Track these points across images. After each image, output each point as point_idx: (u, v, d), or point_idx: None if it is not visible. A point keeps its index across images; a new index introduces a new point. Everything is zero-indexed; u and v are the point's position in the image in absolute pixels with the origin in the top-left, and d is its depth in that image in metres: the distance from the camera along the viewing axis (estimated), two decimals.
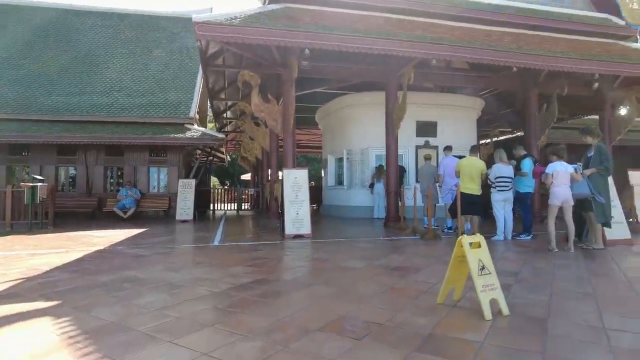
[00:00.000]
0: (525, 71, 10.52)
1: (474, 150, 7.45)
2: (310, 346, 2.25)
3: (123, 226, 10.14)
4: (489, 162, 7.94)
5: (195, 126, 13.93)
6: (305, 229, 7.79)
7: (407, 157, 11.83)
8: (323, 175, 15.35)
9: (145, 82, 15.13)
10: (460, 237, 2.89)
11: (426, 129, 12.00)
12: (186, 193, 12.51)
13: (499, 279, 2.94)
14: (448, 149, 8.86)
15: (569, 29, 10.28)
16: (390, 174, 9.42)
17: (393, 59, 9.13)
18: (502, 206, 7.06)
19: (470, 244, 2.86)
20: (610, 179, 6.38)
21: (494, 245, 6.56)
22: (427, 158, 9.40)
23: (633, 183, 10.25)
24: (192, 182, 12.84)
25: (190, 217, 12.06)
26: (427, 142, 11.95)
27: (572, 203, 5.88)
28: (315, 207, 17.87)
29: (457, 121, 12.34)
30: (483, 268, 2.81)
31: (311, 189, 19.69)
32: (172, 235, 8.33)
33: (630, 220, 10.16)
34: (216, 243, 6.98)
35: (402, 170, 10.80)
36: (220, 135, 13.41)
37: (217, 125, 17.26)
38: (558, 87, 9.61)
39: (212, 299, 3.27)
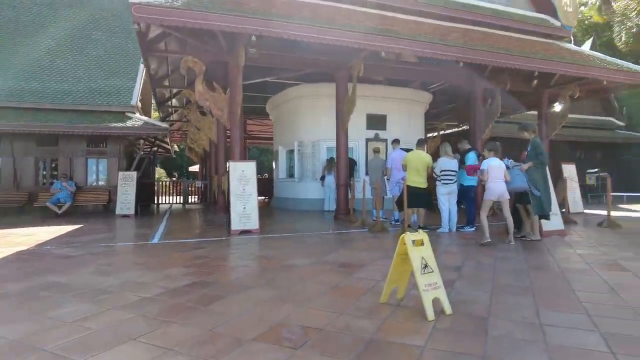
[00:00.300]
0: (471, 66, 10.84)
1: (421, 144, 7.52)
2: None
3: (56, 222, 9.36)
4: (437, 155, 8.12)
5: (137, 115, 13.14)
6: (253, 224, 7.54)
7: (358, 149, 11.84)
8: (274, 167, 15.09)
9: (81, 66, 14.03)
10: (403, 234, 2.81)
11: (376, 121, 12.07)
12: (127, 186, 11.79)
13: (443, 275, 2.90)
14: (396, 142, 8.93)
15: (511, 27, 10.65)
16: (340, 167, 9.36)
17: (343, 50, 8.99)
18: (447, 199, 7.20)
19: (413, 241, 2.79)
20: (547, 172, 6.67)
21: (439, 237, 6.68)
22: (376, 151, 9.43)
23: (566, 175, 10.91)
24: (134, 174, 12.12)
25: (131, 211, 11.40)
26: (377, 135, 12.02)
27: (508, 197, 6.06)
28: (266, 200, 17.58)
29: (406, 114, 12.51)
30: (426, 266, 2.75)
31: (263, 181, 19.40)
32: (109, 232, 7.77)
33: (563, 210, 10.82)
34: (156, 240, 6.58)
35: (352, 163, 10.79)
36: (164, 125, 12.73)
37: (162, 114, 16.43)
38: (502, 83, 9.95)
39: (141, 306, 2.98)
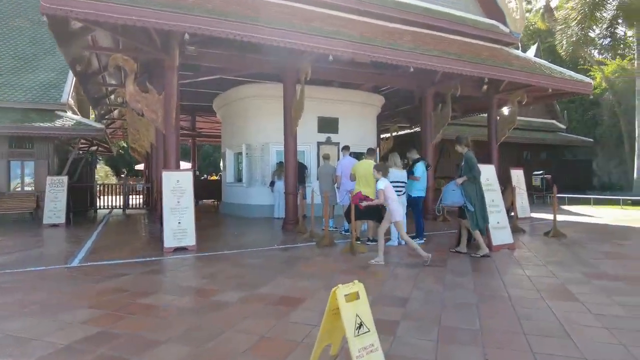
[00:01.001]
0: (423, 71, 10.67)
1: (371, 153, 7.18)
2: None
3: None
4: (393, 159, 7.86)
5: (69, 114, 11.97)
6: (189, 240, 6.89)
7: (309, 153, 11.40)
8: (222, 170, 14.34)
9: (2, 58, 12.58)
10: (335, 288, 2.36)
11: (328, 125, 11.67)
12: (56, 192, 10.71)
13: (387, 312, 2.49)
14: (346, 148, 8.57)
15: (462, 32, 10.58)
16: (289, 173, 8.86)
17: (290, 51, 8.52)
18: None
19: (347, 295, 2.35)
20: (495, 185, 6.54)
21: (389, 250, 6.39)
22: (326, 158, 9.03)
23: (514, 180, 11.03)
24: (64, 179, 11.03)
25: (61, 220, 10.34)
26: (328, 139, 11.63)
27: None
28: (216, 203, 16.79)
29: (358, 117, 12.21)
30: (361, 326, 2.32)
31: (213, 182, 18.49)
32: (25, 250, 6.83)
33: (512, 214, 10.94)
34: (76, 263, 5.78)
35: (303, 168, 10.33)
36: (99, 126, 11.67)
37: (97, 113, 15.15)
38: (452, 88, 9.84)
39: None
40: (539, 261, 5.52)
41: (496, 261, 5.57)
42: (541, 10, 23.60)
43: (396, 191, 6.77)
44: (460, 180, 6.02)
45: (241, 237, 8.11)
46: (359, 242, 7.07)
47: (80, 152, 17.47)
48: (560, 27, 16.90)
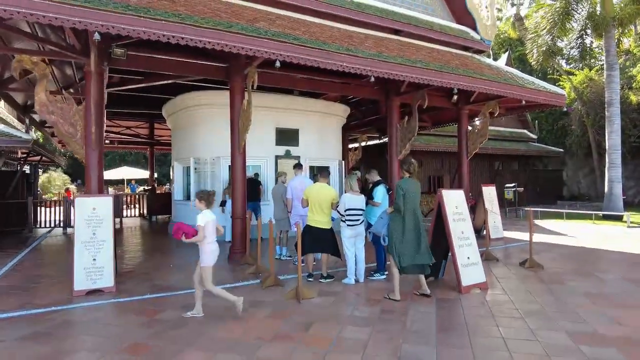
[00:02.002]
0: (387, 80, 9.81)
1: (325, 175, 6.19)
2: None
3: None
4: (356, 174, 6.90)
5: None
6: (106, 280, 5.73)
7: (266, 168, 10.33)
8: (171, 184, 13.09)
9: None
10: None
11: (287, 136, 10.64)
12: None
13: None
14: (297, 167, 7.58)
15: (429, 37, 9.80)
16: (236, 195, 7.77)
17: (235, 56, 7.47)
18: (353, 243, 5.93)
19: None
20: (465, 214, 5.67)
21: (343, 292, 5.41)
22: (279, 176, 8.00)
23: (486, 198, 10.29)
24: None
25: None
26: (287, 152, 10.60)
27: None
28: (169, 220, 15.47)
29: (320, 128, 11.25)
30: None
31: (163, 196, 17.03)
32: None
33: (484, 233, 10.18)
34: None
35: (255, 185, 9.24)
36: (26, 137, 10.24)
37: (30, 120, 13.62)
38: (419, 99, 9.01)
39: None
40: (516, 312, 4.62)
41: (465, 311, 4.64)
42: (512, 19, 23.40)
43: (353, 220, 5.82)
44: (389, 210, 5.37)
45: (175, 271, 6.95)
46: (310, 280, 6.07)
47: (19, 163, 15.87)
48: (530, 35, 16.48)
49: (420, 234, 5.05)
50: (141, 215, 17.13)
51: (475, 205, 16.27)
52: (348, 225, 5.81)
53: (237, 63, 7.61)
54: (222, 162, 10.02)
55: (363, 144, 16.52)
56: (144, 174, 26.80)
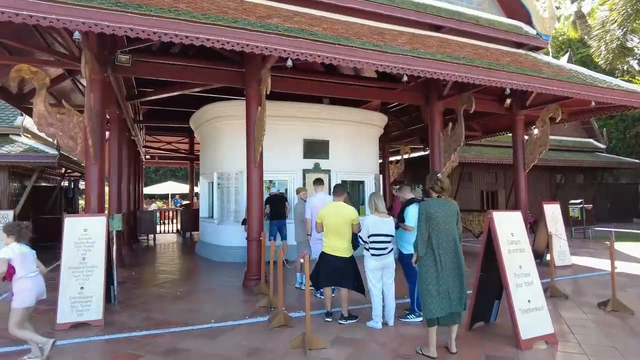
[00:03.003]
0: (428, 82, 8.67)
1: (340, 191, 5.16)
2: None
3: None
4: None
5: (23, 138, 10.55)
6: (94, 312, 5.03)
7: (292, 183, 9.43)
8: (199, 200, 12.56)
9: None
10: None
11: (316, 149, 9.71)
12: None
13: None
14: (318, 182, 6.59)
15: (475, 33, 8.54)
16: (252, 215, 6.91)
17: (250, 57, 6.72)
18: (379, 277, 4.80)
19: None
20: (524, 243, 4.39)
21: (366, 340, 4.31)
22: (298, 192, 7.06)
23: (548, 218, 8.74)
24: (8, 213, 9.43)
25: None
26: (316, 165, 9.65)
27: None
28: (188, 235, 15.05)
29: (354, 140, 10.22)
30: None
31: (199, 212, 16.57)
32: None
33: (547, 259, 8.62)
34: None
35: (281, 202, 8.35)
36: (52, 153, 10.09)
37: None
38: (465, 103, 7.75)
39: None
40: None
41: None
42: (572, 17, 21.26)
43: (378, 249, 4.71)
44: (413, 259, 4.22)
45: (180, 300, 6.14)
46: (328, 319, 5.01)
47: (63, 179, 16.20)
48: (597, 32, 14.57)
49: (459, 272, 3.86)
50: (178, 231, 16.86)
51: (534, 224, 14.43)
52: (372, 254, 4.71)
53: (252, 66, 6.84)
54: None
55: (406, 156, 15.25)
56: (179, 188, 27.04)
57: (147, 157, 20.34)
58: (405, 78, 6.05)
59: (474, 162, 15.30)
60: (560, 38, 26.16)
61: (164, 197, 30.49)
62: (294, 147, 9.47)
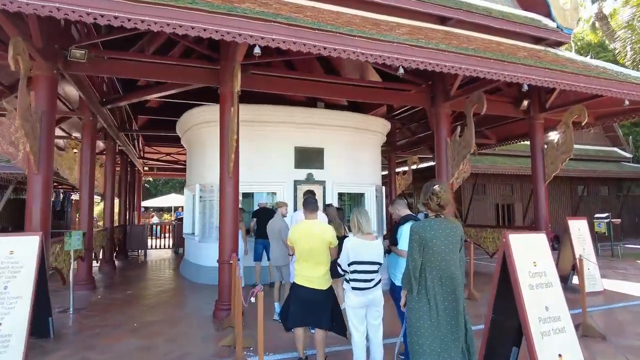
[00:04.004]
0: (434, 82, 7.68)
1: (311, 205, 4.15)
2: None
3: None
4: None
5: None
6: (12, 355, 4.07)
7: (282, 196, 8.44)
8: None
9: None
10: None
11: (309, 157, 8.74)
12: None
13: None
14: (308, 195, 5.60)
15: (486, 26, 7.54)
16: (225, 230, 5.96)
17: (225, 52, 5.87)
18: (363, 317, 3.76)
19: None
20: (552, 275, 3.33)
21: None
22: (278, 206, 6.10)
23: (574, 236, 7.58)
24: None
25: None
26: (309, 176, 8.67)
27: None
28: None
29: (352, 148, 9.22)
30: None
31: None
32: None
33: (571, 283, 7.48)
34: None
35: (268, 216, 7.37)
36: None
37: None
38: (475, 103, 6.71)
39: None
40: None
41: None
42: (592, 19, 20.06)
43: (361, 281, 3.69)
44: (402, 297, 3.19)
45: (135, 334, 5.17)
46: None
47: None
48: (621, 31, 13.40)
49: (458, 316, 2.83)
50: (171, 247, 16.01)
51: (555, 240, 13.13)
52: (353, 288, 3.67)
53: (227, 63, 5.95)
54: None
55: (414, 166, 14.16)
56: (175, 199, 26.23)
57: (146, 168, 19.66)
58: (401, 71, 5.05)
59: (488, 173, 14.16)
60: (579, 43, 24.91)
61: (170, 210, 29.83)
62: (284, 155, 8.53)
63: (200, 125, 8.77)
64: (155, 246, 15.92)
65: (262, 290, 3.48)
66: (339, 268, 3.81)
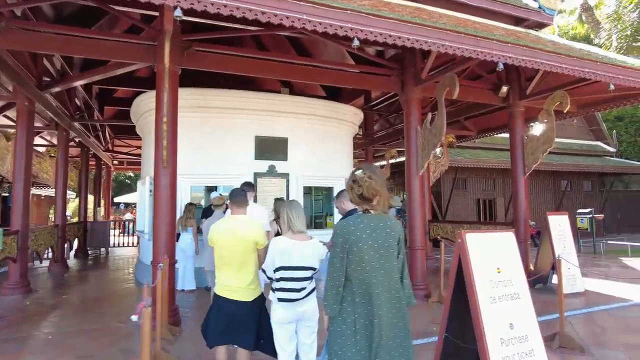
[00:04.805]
0: (404, 64, 7.02)
1: (238, 197, 3.43)
2: None
3: None
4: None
5: None
6: None
7: None
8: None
9: None
10: None
11: (271, 148, 8.00)
12: None
13: None
14: (247, 186, 4.90)
15: (460, 3, 6.90)
16: (160, 229, 5.22)
17: (161, 18, 5.11)
18: (292, 334, 3.06)
19: None
20: (519, 283, 2.68)
21: None
22: (216, 205, 5.39)
23: (554, 232, 7.01)
24: None
25: None
26: (271, 168, 7.94)
27: None
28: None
29: (320, 138, 8.52)
30: None
31: None
32: None
33: (550, 283, 6.92)
34: None
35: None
36: None
37: None
38: (447, 86, 6.04)
39: None
40: None
41: None
42: (577, 11, 19.63)
43: (290, 289, 2.99)
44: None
45: (38, 350, 4.40)
46: None
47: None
48: (606, 19, 12.91)
49: (403, 344, 2.15)
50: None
51: (537, 236, 12.63)
52: (280, 299, 2.97)
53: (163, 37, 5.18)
54: (182, 182, 7.56)
55: (392, 160, 13.53)
56: None
57: (115, 162, 18.70)
58: (356, 43, 4.34)
59: (468, 167, 13.60)
60: (564, 37, 24.54)
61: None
62: (243, 145, 7.79)
63: (149, 113, 7.96)
64: (127, 244, 15.09)
65: (149, 305, 2.76)
66: (263, 275, 3.11)
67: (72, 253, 12.05)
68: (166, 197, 5.24)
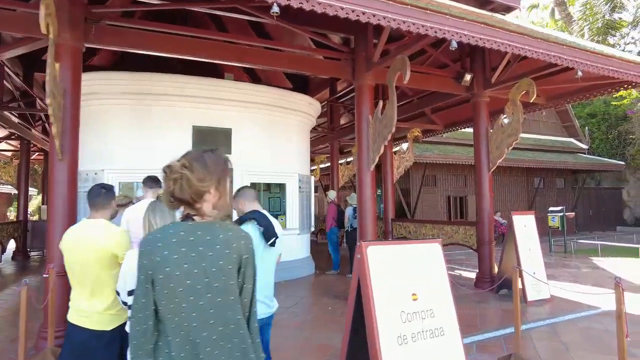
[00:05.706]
0: (356, 45, 6.31)
1: (97, 199, 2.65)
2: None
3: None
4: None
5: None
6: None
7: None
8: None
9: None
10: None
11: (212, 139, 7.19)
12: None
13: None
14: (149, 183, 4.12)
15: None
16: (54, 231, 4.39)
17: None
18: None
19: None
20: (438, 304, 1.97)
21: None
22: (122, 202, 4.56)
23: (518, 233, 6.43)
24: None
25: None
26: None
27: None
28: None
29: (270, 130, 7.76)
30: None
31: None
32: None
33: (507, 291, 6.36)
34: None
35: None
36: None
37: None
38: (398, 70, 5.35)
39: None
40: None
41: None
42: (551, 6, 19.35)
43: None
44: None
45: None
46: None
47: None
48: (579, 12, 12.52)
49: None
50: None
51: (503, 236, 12.14)
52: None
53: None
54: (109, 177, 6.72)
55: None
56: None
57: None
58: (275, 9, 3.60)
59: (438, 163, 13.04)
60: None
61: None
62: (179, 136, 6.97)
63: (85, 98, 7.04)
64: None
65: None
66: (118, 298, 2.35)
67: (7, 256, 11.01)
68: (63, 197, 4.40)
